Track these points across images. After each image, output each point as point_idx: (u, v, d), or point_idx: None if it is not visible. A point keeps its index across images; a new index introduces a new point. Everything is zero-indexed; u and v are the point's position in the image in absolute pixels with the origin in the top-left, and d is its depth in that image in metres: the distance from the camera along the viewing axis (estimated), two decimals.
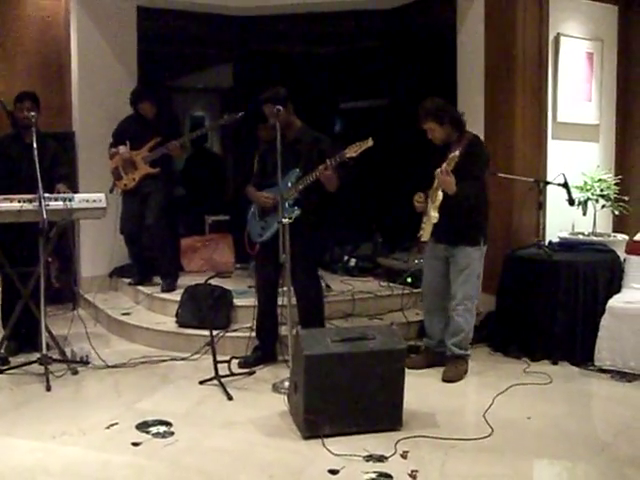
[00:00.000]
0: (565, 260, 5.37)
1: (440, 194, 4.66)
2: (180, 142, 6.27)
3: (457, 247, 4.87)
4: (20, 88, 5.63)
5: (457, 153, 4.62)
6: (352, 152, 4.67)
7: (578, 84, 6.21)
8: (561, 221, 6.07)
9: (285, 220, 4.47)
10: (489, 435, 3.93)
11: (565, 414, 4.30)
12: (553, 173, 5.81)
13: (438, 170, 4.65)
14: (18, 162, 5.27)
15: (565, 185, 5.55)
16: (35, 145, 4.88)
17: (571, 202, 5.59)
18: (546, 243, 5.74)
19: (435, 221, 4.71)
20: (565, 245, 5.77)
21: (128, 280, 6.77)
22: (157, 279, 6.54)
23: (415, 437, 3.88)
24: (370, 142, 4.64)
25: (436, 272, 5.04)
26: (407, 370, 4.08)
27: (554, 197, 5.83)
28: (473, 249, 4.86)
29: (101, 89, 7.03)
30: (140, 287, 6.51)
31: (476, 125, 5.95)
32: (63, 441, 3.87)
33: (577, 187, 5.85)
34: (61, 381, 4.83)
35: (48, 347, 4.91)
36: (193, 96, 9.90)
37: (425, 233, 4.83)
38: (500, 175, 5.62)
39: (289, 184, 4.81)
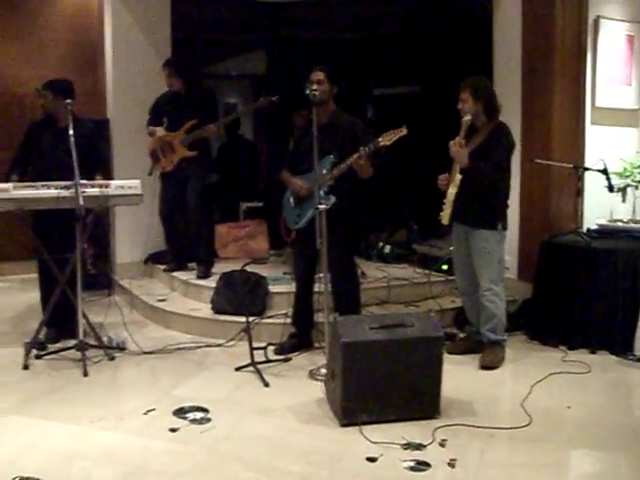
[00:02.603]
0: (604, 247, 5.29)
1: (459, 175, 4.67)
2: (217, 125, 6.24)
3: (475, 230, 4.84)
4: (54, 76, 5.59)
5: (469, 117, 4.69)
6: (386, 140, 4.62)
7: (617, 68, 6.11)
8: (599, 208, 5.97)
9: (322, 206, 4.44)
10: (528, 424, 3.88)
11: (604, 404, 4.25)
12: (592, 159, 5.73)
13: (451, 142, 4.65)
14: (52, 147, 5.28)
15: (604, 171, 5.48)
16: (71, 132, 4.90)
17: (610, 188, 5.52)
18: (584, 230, 5.66)
19: (452, 198, 4.71)
20: (604, 232, 5.68)
21: (163, 266, 6.79)
22: (192, 265, 6.55)
23: (453, 425, 3.85)
24: (404, 130, 4.60)
25: (462, 255, 5.03)
26: (445, 357, 4.04)
27: (592, 183, 5.75)
28: (490, 233, 4.81)
29: (135, 76, 7.05)
30: (175, 273, 6.53)
31: (513, 111, 5.91)
32: (101, 426, 3.90)
33: (616, 173, 5.75)
34: (98, 367, 4.86)
35: (85, 333, 4.94)
36: (226, 83, 9.90)
37: (445, 215, 4.80)
38: (537, 161, 5.56)
39: (324, 171, 4.77)
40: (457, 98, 4.83)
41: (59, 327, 5.34)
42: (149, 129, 6.47)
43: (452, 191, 4.72)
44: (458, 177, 4.69)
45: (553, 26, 5.83)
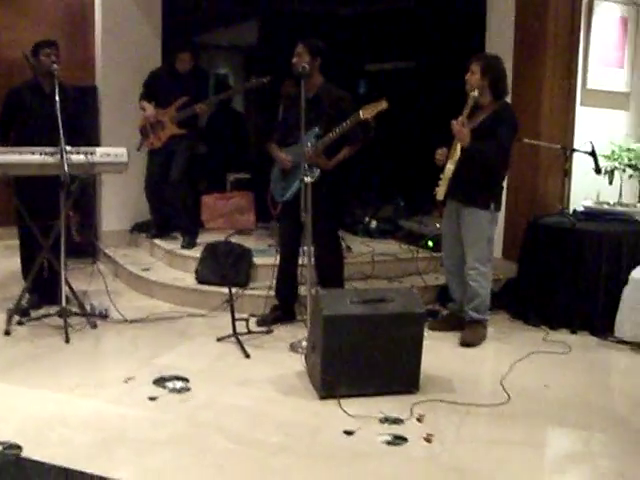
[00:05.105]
0: (589, 229, 5.29)
1: (458, 149, 4.65)
2: (207, 104, 6.28)
3: (467, 208, 4.82)
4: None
5: (476, 93, 4.66)
6: (367, 114, 4.62)
7: (610, 50, 6.07)
8: (586, 190, 5.95)
9: (307, 179, 4.42)
10: (506, 402, 3.91)
11: (583, 384, 4.27)
12: (581, 141, 5.72)
13: (453, 121, 4.63)
14: (36, 112, 5.21)
15: (592, 153, 5.46)
16: (58, 98, 4.85)
17: (597, 171, 5.50)
18: (570, 211, 5.67)
19: (450, 174, 4.68)
20: (589, 214, 5.68)
21: (145, 234, 6.81)
22: (177, 235, 6.55)
23: (431, 401, 3.87)
24: (384, 104, 4.59)
25: (452, 232, 5.01)
26: (426, 334, 4.05)
27: (580, 165, 5.74)
28: (483, 212, 4.79)
29: (125, 43, 6.99)
30: (160, 243, 6.52)
31: None
32: (81, 393, 3.90)
33: (604, 156, 5.73)
34: (80, 334, 4.85)
35: (68, 300, 4.93)
36: (217, 54, 9.81)
37: (440, 191, 4.77)
38: (526, 141, 5.52)
39: (309, 144, 4.74)
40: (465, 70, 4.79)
41: (42, 294, 5.31)
42: (140, 103, 6.46)
43: (450, 167, 4.69)
44: (457, 154, 4.66)
45: (547, 6, 5.79)
